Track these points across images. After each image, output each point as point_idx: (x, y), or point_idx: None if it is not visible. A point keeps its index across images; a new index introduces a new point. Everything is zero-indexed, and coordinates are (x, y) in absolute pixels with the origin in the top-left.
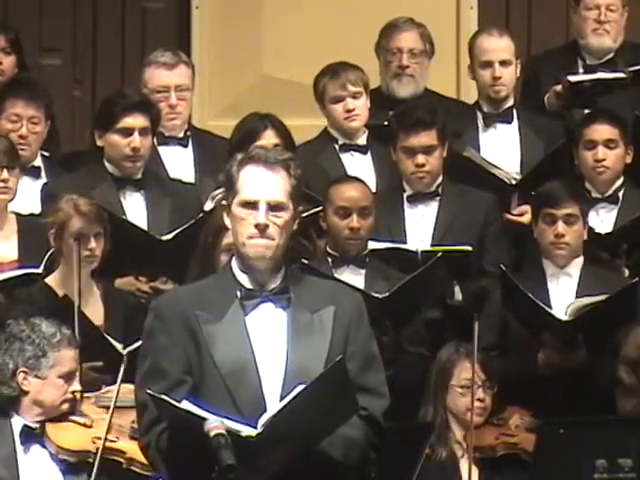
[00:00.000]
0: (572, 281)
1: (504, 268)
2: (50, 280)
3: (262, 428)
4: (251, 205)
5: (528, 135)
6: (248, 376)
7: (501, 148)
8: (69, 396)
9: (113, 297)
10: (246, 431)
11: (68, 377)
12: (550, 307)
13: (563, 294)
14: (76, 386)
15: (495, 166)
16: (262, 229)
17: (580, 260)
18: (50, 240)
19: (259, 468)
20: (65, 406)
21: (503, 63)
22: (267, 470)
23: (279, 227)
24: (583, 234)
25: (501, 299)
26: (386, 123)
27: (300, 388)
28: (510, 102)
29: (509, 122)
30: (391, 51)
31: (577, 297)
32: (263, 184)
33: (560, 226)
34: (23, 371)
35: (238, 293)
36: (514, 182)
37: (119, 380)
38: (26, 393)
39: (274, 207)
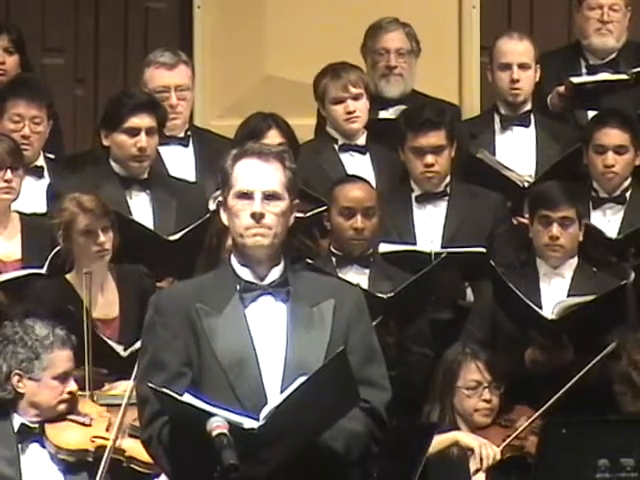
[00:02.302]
0: (564, 282)
1: (493, 264)
2: (70, 277)
3: (264, 420)
4: (246, 196)
5: (545, 139)
6: (248, 368)
7: (517, 151)
8: (65, 397)
9: (126, 282)
10: (248, 424)
11: (63, 378)
12: (540, 307)
13: (554, 294)
14: (72, 386)
15: (508, 169)
16: (258, 218)
17: (574, 261)
18: (59, 242)
19: (261, 461)
20: (62, 407)
21: (522, 66)
22: (269, 463)
23: (275, 216)
24: (579, 236)
25: (493, 294)
26: (386, 117)
27: (302, 380)
28: (528, 106)
29: (526, 125)
30: (378, 52)
31: (568, 297)
32: (258, 175)
33: (555, 228)
34: (17, 374)
35: (237, 286)
36: (527, 185)
37: (132, 380)
38: (22, 395)
39: (269, 196)
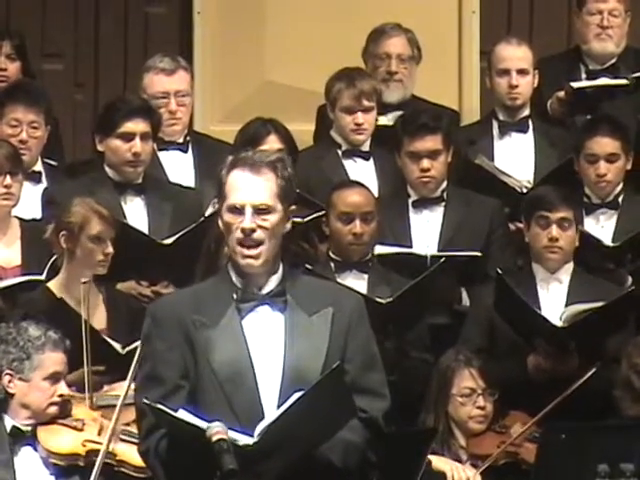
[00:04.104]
0: (562, 287)
1: (500, 272)
2: (52, 284)
3: (259, 437)
4: (237, 210)
5: (543, 146)
6: (245, 381)
7: (515, 157)
8: (56, 399)
9: (116, 301)
10: (243, 440)
11: (53, 380)
12: (540, 312)
13: (553, 299)
14: (63, 389)
15: (506, 174)
16: (248, 233)
17: (570, 266)
18: (60, 241)
19: (258, 475)
20: (52, 409)
21: (520, 72)
22: (266, 476)
23: (267, 230)
24: (575, 240)
25: (494, 302)
26: (384, 123)
27: (297, 395)
28: (526, 112)
29: (524, 131)
30: (379, 56)
31: (567, 303)
32: (248, 188)
33: (554, 230)
34: (8, 373)
35: (234, 296)
36: (525, 191)
37: (127, 382)
38: (12, 396)
39: (260, 210)
